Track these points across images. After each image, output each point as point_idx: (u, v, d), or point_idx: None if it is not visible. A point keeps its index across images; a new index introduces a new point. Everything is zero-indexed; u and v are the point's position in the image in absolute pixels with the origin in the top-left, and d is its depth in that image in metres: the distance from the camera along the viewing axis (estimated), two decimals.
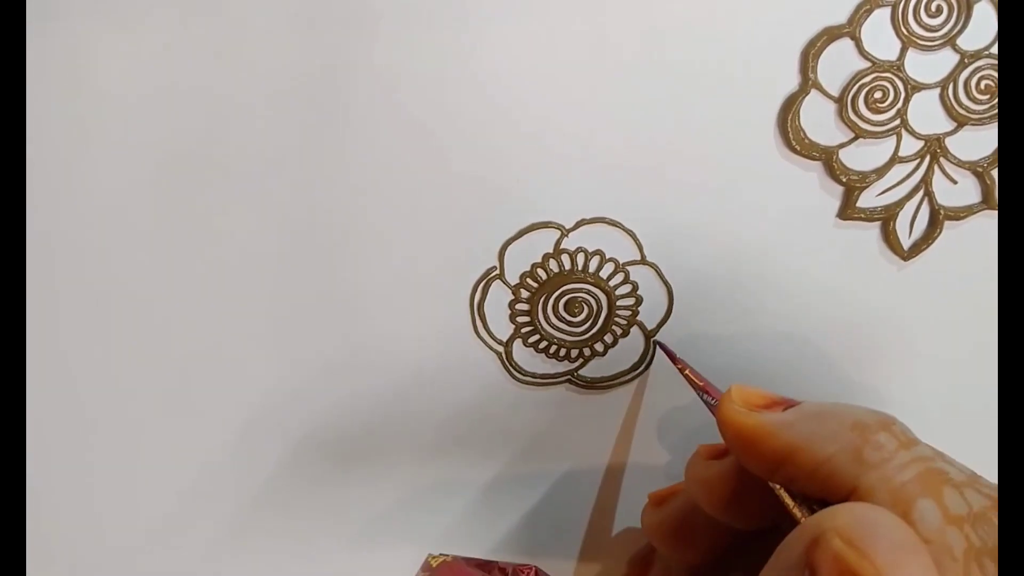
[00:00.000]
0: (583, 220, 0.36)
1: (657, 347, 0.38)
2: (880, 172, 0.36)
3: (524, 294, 0.37)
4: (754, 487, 0.30)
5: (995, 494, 0.28)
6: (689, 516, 0.34)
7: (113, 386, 0.37)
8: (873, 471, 0.25)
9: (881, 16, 0.34)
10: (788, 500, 0.27)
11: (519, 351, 0.38)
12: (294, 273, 0.36)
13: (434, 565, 0.33)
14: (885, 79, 0.35)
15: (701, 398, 0.34)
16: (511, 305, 0.37)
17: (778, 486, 0.28)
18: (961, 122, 0.36)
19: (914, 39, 0.34)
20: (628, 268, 0.37)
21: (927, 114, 0.36)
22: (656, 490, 0.36)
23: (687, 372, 0.35)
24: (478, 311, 0.37)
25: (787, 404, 0.29)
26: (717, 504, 0.32)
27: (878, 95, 0.35)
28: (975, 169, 0.36)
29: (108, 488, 0.38)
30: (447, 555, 0.33)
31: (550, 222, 0.36)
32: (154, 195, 0.35)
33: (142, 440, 0.37)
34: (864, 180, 0.36)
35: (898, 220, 0.37)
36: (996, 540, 0.24)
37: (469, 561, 0.33)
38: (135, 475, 0.38)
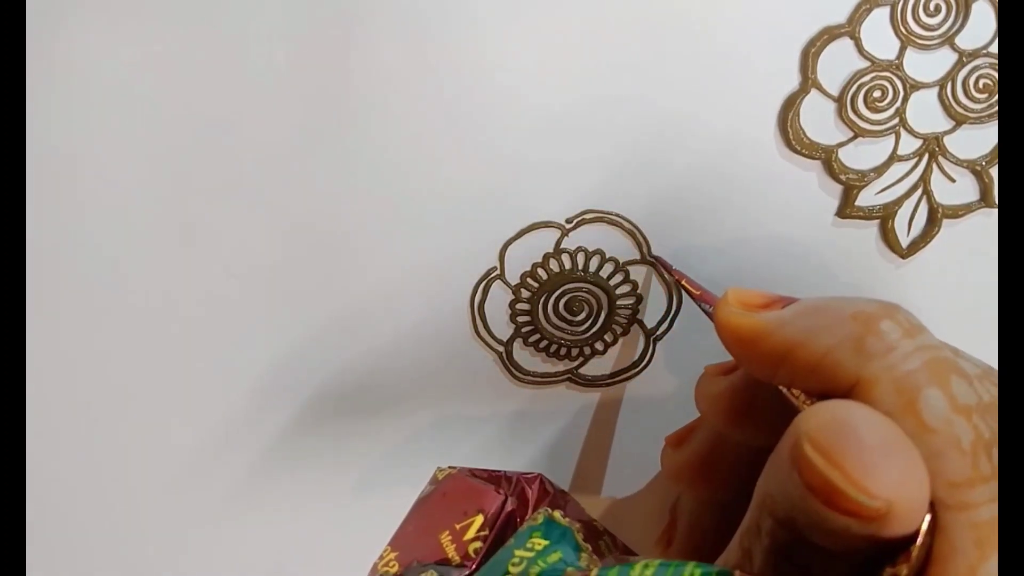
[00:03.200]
0: (583, 219, 0.36)
1: (657, 263, 0.37)
2: (879, 171, 0.36)
3: (524, 294, 0.37)
4: (766, 396, 0.29)
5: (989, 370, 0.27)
6: (714, 449, 0.32)
7: (113, 381, 0.37)
8: (876, 361, 0.24)
9: (880, 15, 0.34)
10: (795, 400, 0.26)
11: (519, 351, 0.38)
12: (294, 274, 0.36)
13: (440, 477, 0.33)
14: (884, 78, 0.35)
15: (700, 307, 0.33)
16: (511, 305, 0.37)
17: (785, 388, 0.26)
18: (959, 121, 0.36)
19: (913, 38, 0.35)
20: (628, 267, 0.37)
21: (926, 113, 0.36)
22: (672, 433, 0.34)
23: (684, 282, 0.35)
24: (478, 311, 0.37)
25: (786, 302, 0.27)
26: (730, 418, 0.30)
27: (877, 94, 0.35)
28: (973, 167, 0.37)
29: (117, 454, 0.38)
30: (453, 467, 0.33)
31: (550, 221, 0.36)
32: (154, 195, 0.35)
33: (136, 435, 0.37)
34: (863, 179, 0.36)
35: (897, 218, 0.37)
36: None
37: (475, 472, 0.33)
38: (131, 471, 0.38)
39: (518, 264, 0.37)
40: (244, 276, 0.36)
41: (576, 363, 0.38)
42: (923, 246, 0.37)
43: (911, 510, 0.22)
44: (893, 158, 0.36)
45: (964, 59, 0.35)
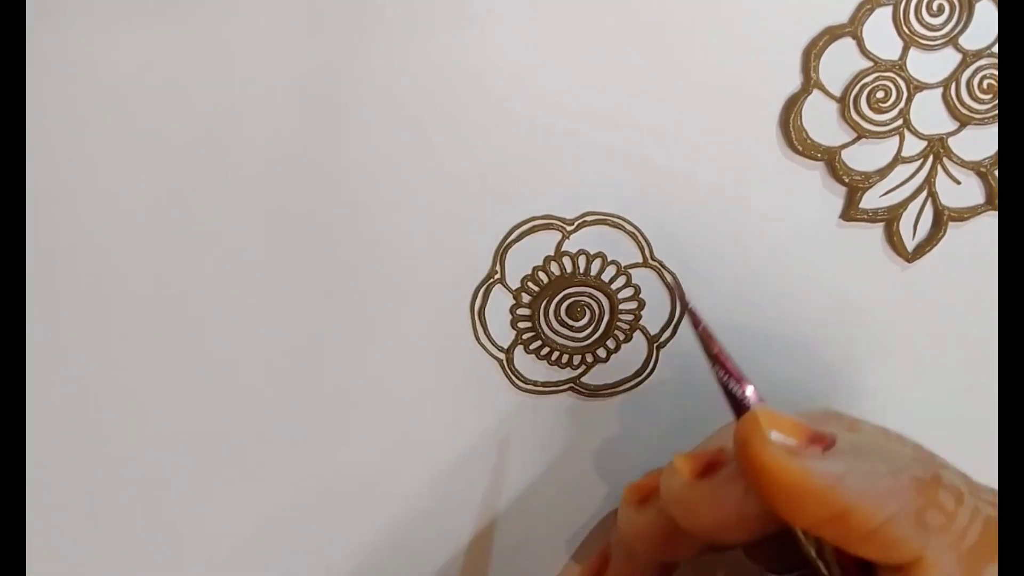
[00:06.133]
0: (584, 221, 0.36)
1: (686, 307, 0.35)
2: (883, 173, 0.36)
3: (525, 298, 0.37)
4: (734, 504, 0.27)
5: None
6: (674, 525, 0.29)
7: (113, 382, 0.37)
8: (938, 537, 0.24)
9: (883, 15, 0.34)
10: (805, 546, 0.26)
11: (520, 358, 0.37)
12: (292, 277, 0.36)
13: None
14: (887, 79, 0.35)
15: (712, 368, 0.30)
16: (512, 310, 0.37)
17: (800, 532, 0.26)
18: (964, 122, 0.35)
19: (916, 38, 0.34)
20: (630, 271, 0.37)
21: (929, 114, 0.35)
22: (632, 484, 0.32)
23: (700, 328, 0.31)
24: (479, 317, 0.37)
25: (824, 442, 0.26)
26: (660, 550, 0.29)
27: (880, 95, 0.35)
28: (978, 169, 0.36)
29: (116, 454, 0.38)
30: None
31: (551, 220, 0.36)
32: (154, 194, 0.35)
33: (136, 435, 0.37)
34: (867, 181, 0.36)
35: (902, 221, 0.37)
36: None
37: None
38: (132, 471, 0.38)
39: (519, 268, 0.36)
40: (243, 279, 0.36)
41: (579, 371, 0.38)
42: (928, 249, 0.37)
43: None
44: (897, 159, 0.36)
45: (968, 59, 0.35)
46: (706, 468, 0.28)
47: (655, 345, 0.38)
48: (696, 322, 0.31)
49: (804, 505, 0.24)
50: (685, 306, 0.35)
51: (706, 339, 0.30)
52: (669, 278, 0.37)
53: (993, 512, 0.24)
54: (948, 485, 0.24)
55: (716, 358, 0.30)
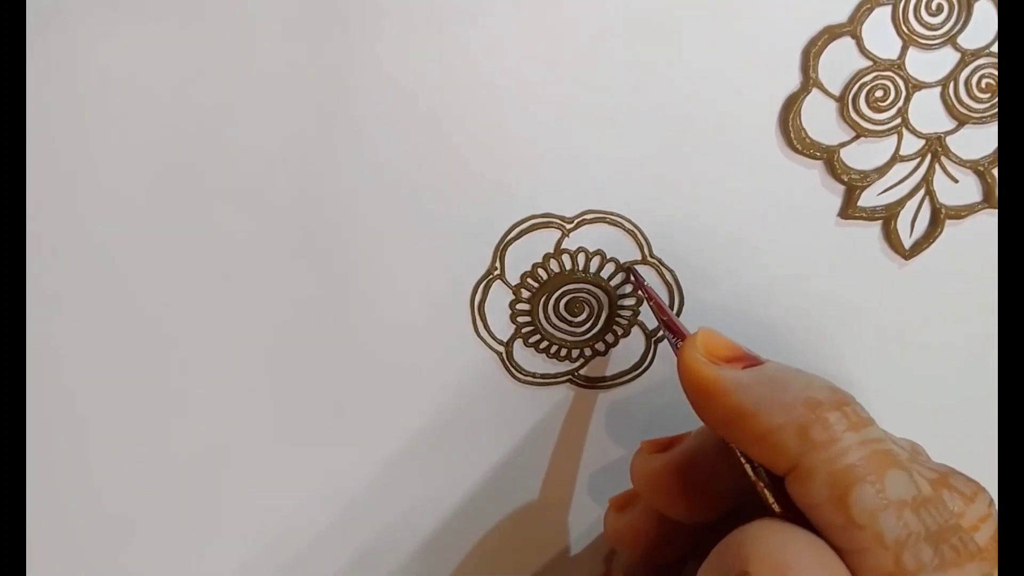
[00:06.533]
0: (584, 219, 0.36)
1: (631, 273, 0.37)
2: (881, 171, 0.36)
3: (525, 294, 0.37)
4: (703, 477, 0.30)
5: (945, 469, 0.28)
6: (651, 520, 0.33)
7: (110, 384, 0.37)
8: (817, 451, 0.25)
9: (882, 15, 0.34)
10: (748, 467, 0.27)
11: (520, 351, 0.38)
12: (293, 273, 0.36)
13: None
14: (886, 78, 0.35)
15: (664, 334, 0.33)
16: (512, 305, 0.37)
17: (741, 455, 0.28)
18: (962, 121, 0.36)
19: (915, 38, 0.34)
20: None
21: (928, 113, 0.36)
22: (617, 494, 0.35)
23: (653, 303, 0.35)
24: (478, 311, 0.37)
25: (750, 362, 0.29)
26: (665, 498, 0.31)
27: (879, 94, 0.35)
28: (976, 168, 0.36)
29: (115, 454, 0.38)
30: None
31: (551, 218, 0.36)
32: (155, 194, 0.35)
33: (136, 436, 0.37)
34: (865, 179, 0.36)
35: (899, 219, 0.37)
36: (942, 522, 0.24)
37: None
38: (131, 471, 0.38)
39: (518, 264, 0.37)
40: (243, 277, 0.36)
41: (577, 364, 0.38)
42: (926, 247, 0.37)
43: None
44: (895, 158, 0.36)
45: (966, 59, 0.35)
46: (667, 446, 0.32)
47: (652, 339, 0.38)
48: (640, 284, 0.36)
49: (709, 403, 0.28)
50: (641, 284, 0.36)
51: (658, 307, 0.35)
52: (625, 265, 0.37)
53: (889, 449, 0.25)
54: (848, 413, 0.26)
55: (667, 324, 0.33)
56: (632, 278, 0.37)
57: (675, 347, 0.32)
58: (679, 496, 0.31)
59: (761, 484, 0.27)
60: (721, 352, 0.29)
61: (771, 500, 0.26)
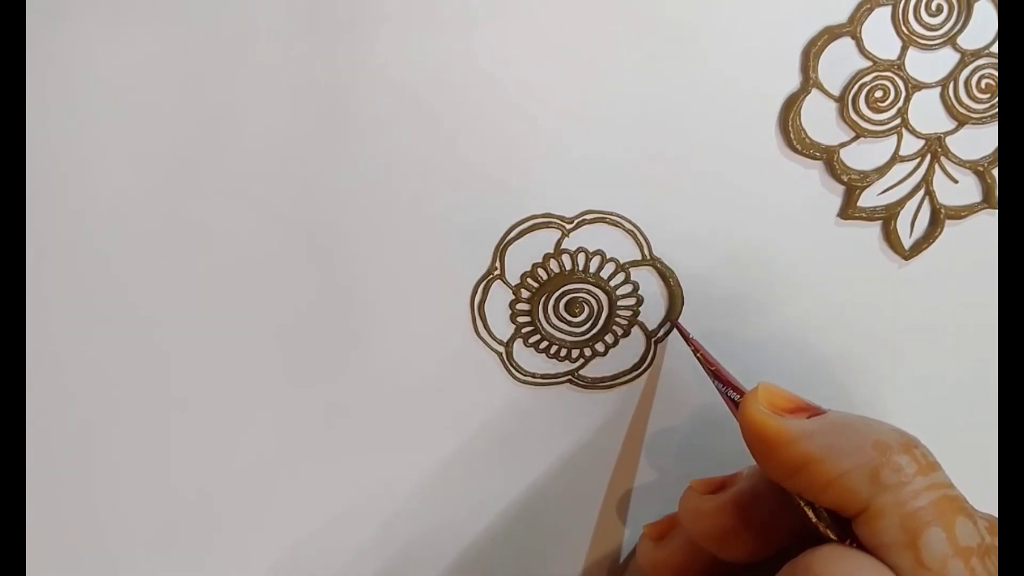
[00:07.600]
0: (584, 220, 0.36)
1: (673, 328, 0.38)
2: (881, 171, 0.36)
3: (525, 294, 0.37)
4: (756, 522, 0.31)
5: (992, 518, 0.28)
6: (692, 556, 0.33)
7: (110, 384, 0.37)
8: (887, 493, 0.25)
9: (882, 15, 0.34)
10: (812, 519, 0.28)
11: (520, 351, 0.38)
12: (293, 273, 0.36)
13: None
14: (886, 78, 0.35)
15: (714, 383, 0.33)
16: (511, 305, 0.37)
17: (802, 502, 0.28)
18: (962, 121, 0.36)
19: (915, 38, 0.34)
20: (629, 268, 0.37)
21: (928, 113, 0.36)
22: (651, 522, 0.36)
23: (700, 354, 0.35)
24: (478, 311, 0.37)
25: (812, 412, 0.29)
26: (714, 539, 0.31)
27: (879, 94, 0.35)
28: (976, 168, 0.36)
29: (114, 454, 0.38)
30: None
31: (551, 218, 0.36)
32: (155, 194, 0.35)
33: (138, 439, 0.37)
34: (865, 179, 0.36)
35: (899, 219, 0.37)
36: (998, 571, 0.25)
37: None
38: (133, 476, 0.38)
39: (518, 264, 0.37)
40: (242, 277, 0.36)
41: (577, 364, 0.38)
42: (925, 247, 0.37)
43: None
44: (895, 158, 0.36)
45: (966, 59, 0.35)
46: (719, 486, 0.32)
47: (652, 340, 0.38)
48: (686, 337, 0.36)
49: (775, 454, 0.28)
50: (686, 337, 0.37)
51: (704, 359, 0.35)
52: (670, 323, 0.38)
53: (956, 495, 0.26)
54: (917, 456, 0.26)
55: (715, 374, 0.33)
56: (679, 332, 0.37)
57: (725, 395, 0.32)
58: (734, 538, 0.31)
59: (823, 525, 0.27)
60: (782, 404, 0.29)
61: (834, 539, 0.27)
